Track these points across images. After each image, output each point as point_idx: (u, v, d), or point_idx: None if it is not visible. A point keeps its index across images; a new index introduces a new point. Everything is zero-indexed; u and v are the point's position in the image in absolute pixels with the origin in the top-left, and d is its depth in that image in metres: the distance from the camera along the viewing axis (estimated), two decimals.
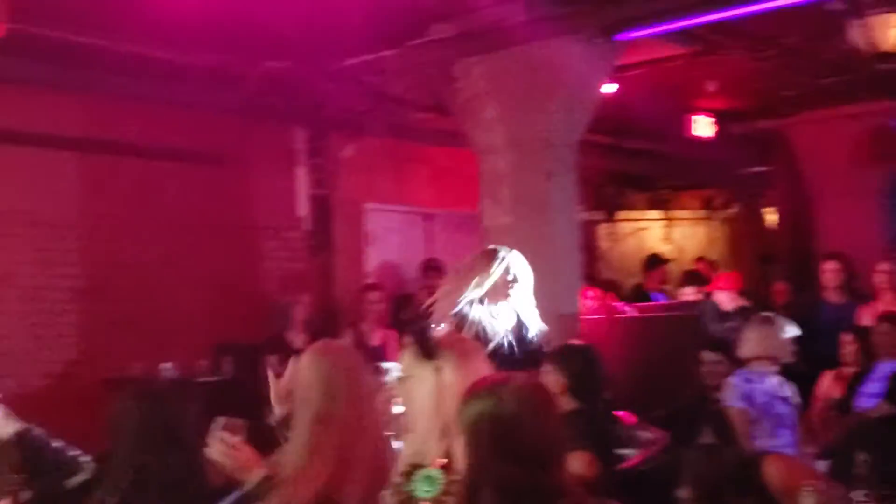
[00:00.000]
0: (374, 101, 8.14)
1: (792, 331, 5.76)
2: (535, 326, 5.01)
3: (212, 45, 6.78)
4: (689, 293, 8.82)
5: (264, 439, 3.25)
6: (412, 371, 2.76)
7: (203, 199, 8.09)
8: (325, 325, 7.75)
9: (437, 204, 9.68)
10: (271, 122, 8.37)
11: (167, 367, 7.05)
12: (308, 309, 7.72)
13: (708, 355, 6.19)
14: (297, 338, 7.29)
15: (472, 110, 7.00)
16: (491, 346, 4.87)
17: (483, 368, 2.75)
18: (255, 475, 3.01)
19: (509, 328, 4.95)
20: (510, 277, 5.03)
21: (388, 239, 9.36)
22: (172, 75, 7.16)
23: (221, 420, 3.12)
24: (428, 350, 2.74)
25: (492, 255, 5.10)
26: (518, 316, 5.05)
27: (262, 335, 7.50)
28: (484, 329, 4.97)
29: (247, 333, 7.65)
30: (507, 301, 5.02)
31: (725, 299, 8.03)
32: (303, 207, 8.81)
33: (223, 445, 3.07)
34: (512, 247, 6.77)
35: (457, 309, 4.93)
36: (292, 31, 6.57)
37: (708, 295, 8.32)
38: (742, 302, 8.00)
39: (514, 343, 5.04)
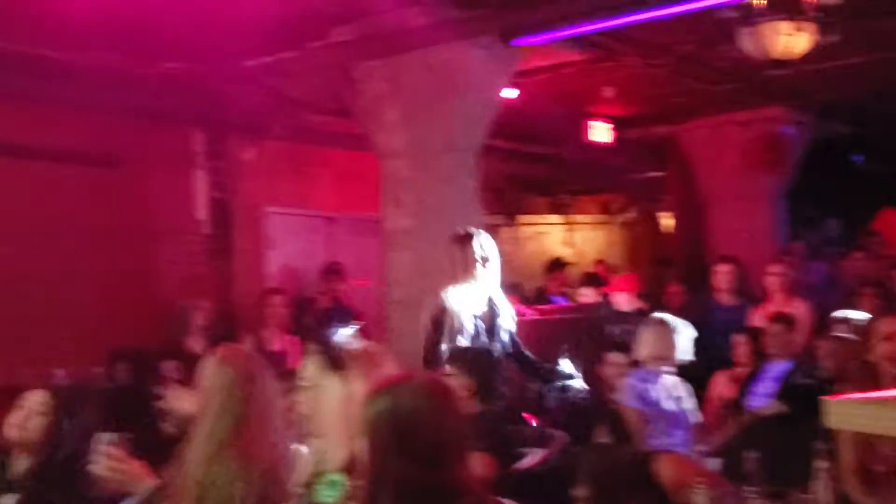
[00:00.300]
0: (276, 103, 8.07)
1: (686, 332, 5.90)
2: (507, 311, 5.12)
3: (108, 45, 6.64)
4: (587, 295, 8.96)
5: (159, 448, 3.19)
6: (319, 380, 2.74)
7: (99, 203, 7.89)
8: (225, 331, 7.64)
9: (340, 207, 9.63)
10: (169, 124, 8.22)
11: (59, 374, 6.86)
12: (208, 314, 7.60)
13: (612, 356, 6.29)
14: (196, 344, 7.17)
15: (374, 113, 6.99)
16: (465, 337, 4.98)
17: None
18: (145, 486, 2.95)
19: (480, 315, 5.04)
20: (482, 256, 5.14)
21: (289, 243, 9.27)
22: (67, 76, 6.98)
23: (104, 436, 3.05)
24: (336, 360, 2.73)
25: (466, 239, 5.22)
26: (490, 300, 5.15)
27: (159, 341, 7.35)
28: (460, 320, 5.06)
29: (143, 339, 7.49)
30: (478, 282, 5.12)
31: (623, 301, 8.18)
32: (201, 211, 8.68)
33: (108, 461, 3.01)
34: (413, 250, 6.83)
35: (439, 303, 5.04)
36: (191, 31, 6.47)
37: (606, 297, 8.46)
38: (639, 304, 8.16)
39: (485, 333, 5.13)
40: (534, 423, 5.62)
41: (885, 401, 1.71)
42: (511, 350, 5.51)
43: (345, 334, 2.77)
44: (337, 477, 2.60)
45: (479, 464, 3.93)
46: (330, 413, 2.69)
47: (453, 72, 6.68)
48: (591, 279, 9.42)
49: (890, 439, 4.00)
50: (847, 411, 1.71)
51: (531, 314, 8.30)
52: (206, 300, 7.74)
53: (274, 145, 8.76)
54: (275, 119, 8.28)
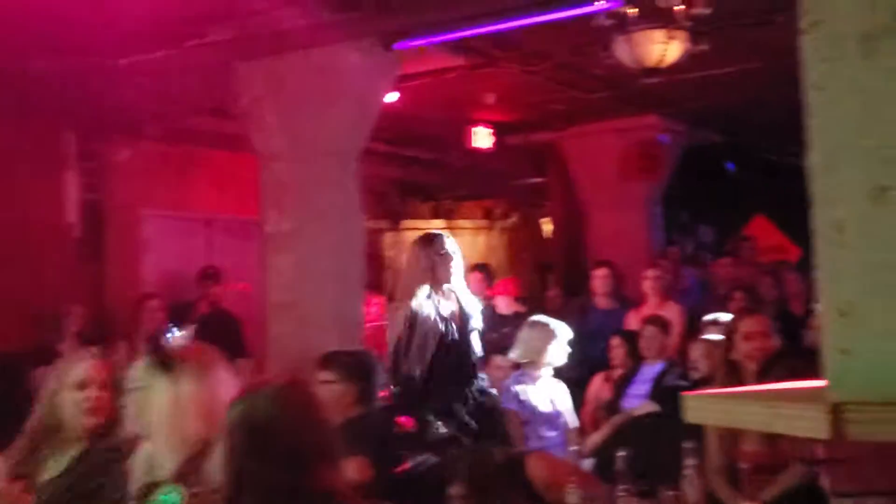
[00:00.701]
0: (152, 102, 7.89)
1: (564, 334, 5.99)
2: (475, 309, 5.13)
3: None
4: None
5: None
6: (147, 382, 2.69)
7: None
8: (98, 336, 7.43)
9: (219, 209, 9.48)
10: (39, 124, 7.95)
11: None
12: (80, 320, 7.39)
13: (496, 359, 6.35)
14: (69, 349, 6.95)
15: (254, 115, 6.90)
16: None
17: (225, 378, 2.70)
18: None
19: (450, 316, 5.01)
20: (451, 254, 5.15)
21: (166, 246, 9.07)
22: None
23: None
24: (164, 362, 2.68)
25: (429, 239, 5.22)
26: (458, 300, 5.12)
27: (31, 347, 7.11)
28: (435, 323, 5.03)
29: (13, 345, 7.24)
30: (449, 283, 5.10)
31: (503, 304, 8.26)
32: (72, 213, 8.42)
33: None
34: (294, 254, 6.77)
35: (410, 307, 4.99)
36: (62, 27, 6.27)
37: (488, 300, 8.52)
38: (519, 307, 8.25)
39: (458, 333, 5.11)
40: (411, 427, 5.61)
41: (739, 395, 1.78)
42: (482, 352, 5.54)
43: (177, 336, 2.72)
44: (173, 487, 2.54)
45: (355, 467, 3.92)
46: (159, 415, 2.63)
47: (334, 74, 6.64)
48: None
49: (753, 438, 4.15)
50: (704, 406, 1.76)
51: None
52: (78, 305, 7.52)
53: (150, 146, 8.57)
54: (150, 119, 8.09)
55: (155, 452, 2.61)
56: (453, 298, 5.35)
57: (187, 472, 2.51)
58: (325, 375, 4.45)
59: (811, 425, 1.45)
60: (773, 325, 4.60)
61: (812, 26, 1.73)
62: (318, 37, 6.33)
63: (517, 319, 7.16)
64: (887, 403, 1.51)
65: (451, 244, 5.42)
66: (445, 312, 5.29)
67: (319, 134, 6.82)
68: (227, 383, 2.62)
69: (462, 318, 5.34)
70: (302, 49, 6.47)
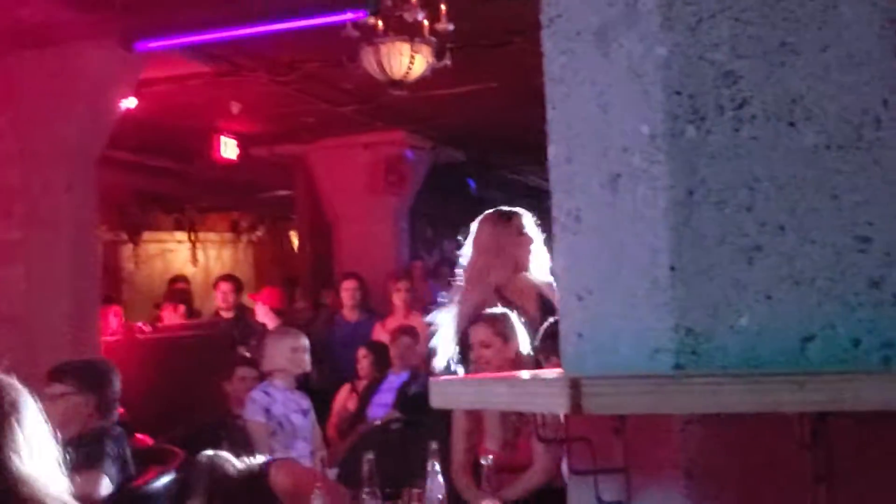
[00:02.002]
0: None
1: (306, 344, 5.97)
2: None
3: None
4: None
5: None
6: None
7: None
8: None
9: None
10: None
11: None
12: None
13: (240, 370, 6.23)
14: None
15: None
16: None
17: None
18: None
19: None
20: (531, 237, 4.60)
21: None
22: None
23: None
24: None
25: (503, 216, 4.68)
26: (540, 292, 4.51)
27: None
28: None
29: None
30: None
31: (262, 314, 8.16)
32: None
33: None
34: (24, 264, 6.38)
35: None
36: None
37: (242, 310, 8.33)
38: (275, 319, 8.15)
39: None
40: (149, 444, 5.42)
41: (484, 379, 1.82)
42: None
43: None
44: None
45: (89, 482, 3.74)
46: None
47: (71, 76, 6.36)
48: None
49: (496, 437, 4.28)
50: (451, 389, 1.79)
51: (156, 331, 8.02)
52: None
53: None
54: None
55: None
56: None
57: None
58: (58, 388, 4.19)
59: (551, 401, 1.50)
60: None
61: (551, 21, 1.80)
62: (54, 35, 6.03)
63: (266, 330, 7.07)
64: (621, 377, 1.58)
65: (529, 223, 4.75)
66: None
67: (54, 137, 6.51)
68: None
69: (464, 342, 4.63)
70: (36, 47, 6.15)
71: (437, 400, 1.75)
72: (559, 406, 1.48)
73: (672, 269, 1.66)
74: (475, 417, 4.31)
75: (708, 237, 1.66)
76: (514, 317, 4.32)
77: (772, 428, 1.59)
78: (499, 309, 4.40)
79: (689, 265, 1.66)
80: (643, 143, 1.68)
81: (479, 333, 4.32)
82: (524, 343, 4.28)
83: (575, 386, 1.44)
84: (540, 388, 1.58)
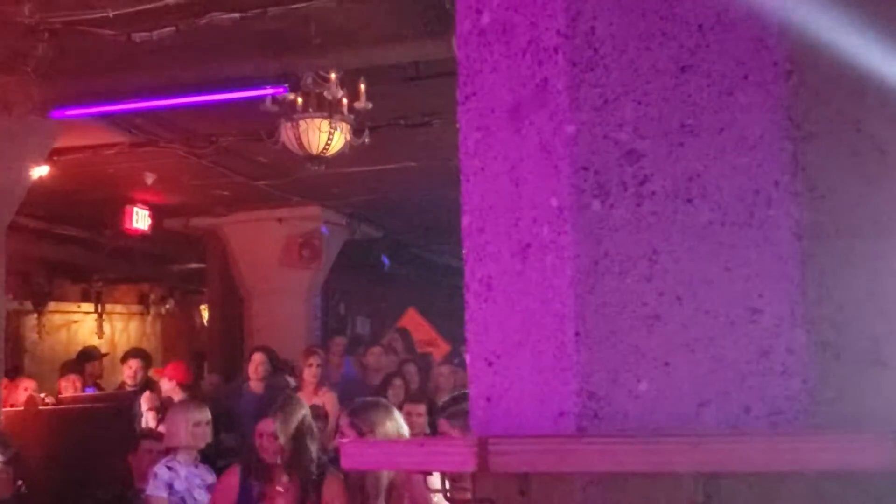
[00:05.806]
0: None
1: (208, 418, 5.90)
2: None
3: None
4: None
5: None
6: None
7: None
8: None
9: None
10: None
11: None
12: None
13: (145, 443, 6.11)
14: None
15: None
16: None
17: None
18: None
19: None
20: None
21: None
22: None
23: None
24: None
25: None
26: None
27: None
28: None
29: None
30: None
31: (169, 388, 8.01)
32: None
33: None
34: None
35: None
36: None
37: (151, 384, 8.18)
38: (180, 394, 8.01)
39: None
40: None
41: (397, 442, 1.86)
42: None
43: None
44: None
45: None
46: None
47: None
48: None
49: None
50: (363, 451, 1.82)
51: (59, 403, 7.82)
52: None
53: None
54: None
55: None
56: None
57: None
58: None
59: (460, 460, 1.55)
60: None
61: (467, 98, 1.90)
62: None
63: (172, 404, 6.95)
64: (526, 437, 1.64)
65: None
66: None
67: None
68: None
69: None
70: None
71: (348, 461, 1.78)
72: (467, 465, 1.53)
73: (577, 334, 1.74)
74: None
75: (611, 305, 1.74)
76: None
77: (668, 489, 1.66)
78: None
79: (593, 331, 1.74)
80: (552, 215, 1.77)
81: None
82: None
83: (482, 445, 1.49)
84: (450, 448, 1.63)
